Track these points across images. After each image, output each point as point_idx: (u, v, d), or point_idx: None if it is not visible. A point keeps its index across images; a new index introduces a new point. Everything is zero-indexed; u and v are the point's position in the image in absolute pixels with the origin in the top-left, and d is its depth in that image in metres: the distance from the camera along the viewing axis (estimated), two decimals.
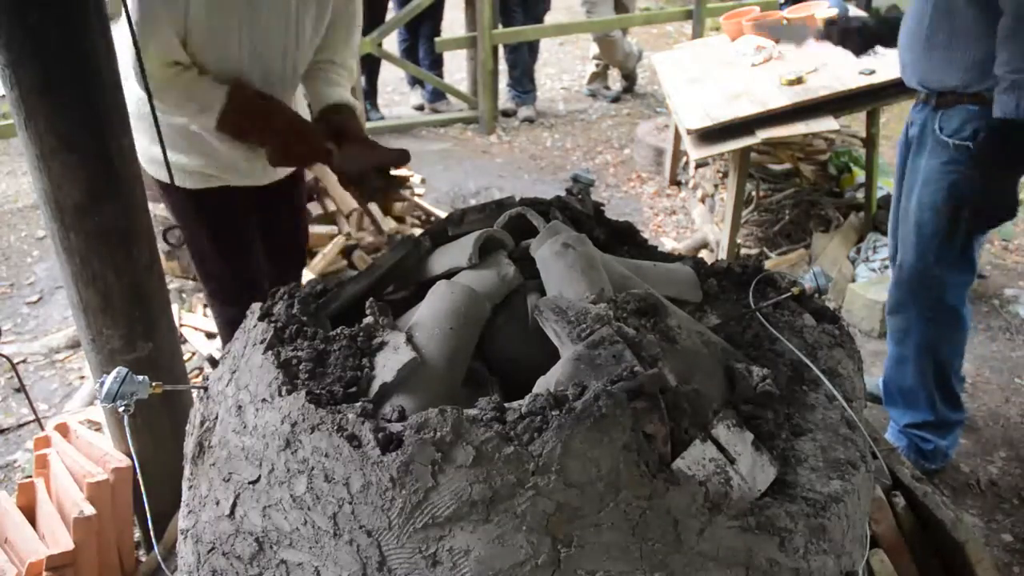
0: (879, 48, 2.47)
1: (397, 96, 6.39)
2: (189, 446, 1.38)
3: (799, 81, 3.28)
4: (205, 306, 3.41)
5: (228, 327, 2.15)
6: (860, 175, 3.85)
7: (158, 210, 3.42)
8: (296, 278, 1.58)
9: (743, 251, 3.75)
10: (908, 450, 2.48)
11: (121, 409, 1.22)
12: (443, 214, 3.07)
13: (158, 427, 1.90)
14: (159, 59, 1.66)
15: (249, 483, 1.17)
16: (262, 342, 1.28)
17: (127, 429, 1.36)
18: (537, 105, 5.92)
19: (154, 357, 1.83)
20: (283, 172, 2.06)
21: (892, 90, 3.25)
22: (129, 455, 1.92)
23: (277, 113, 1.77)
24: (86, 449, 2.01)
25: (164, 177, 1.87)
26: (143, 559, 2.04)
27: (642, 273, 1.52)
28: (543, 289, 1.39)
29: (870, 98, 3.28)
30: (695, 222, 4.17)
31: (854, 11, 4.09)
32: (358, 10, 2.01)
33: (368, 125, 5.04)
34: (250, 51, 1.78)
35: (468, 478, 1.01)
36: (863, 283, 3.32)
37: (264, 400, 1.19)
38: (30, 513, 1.94)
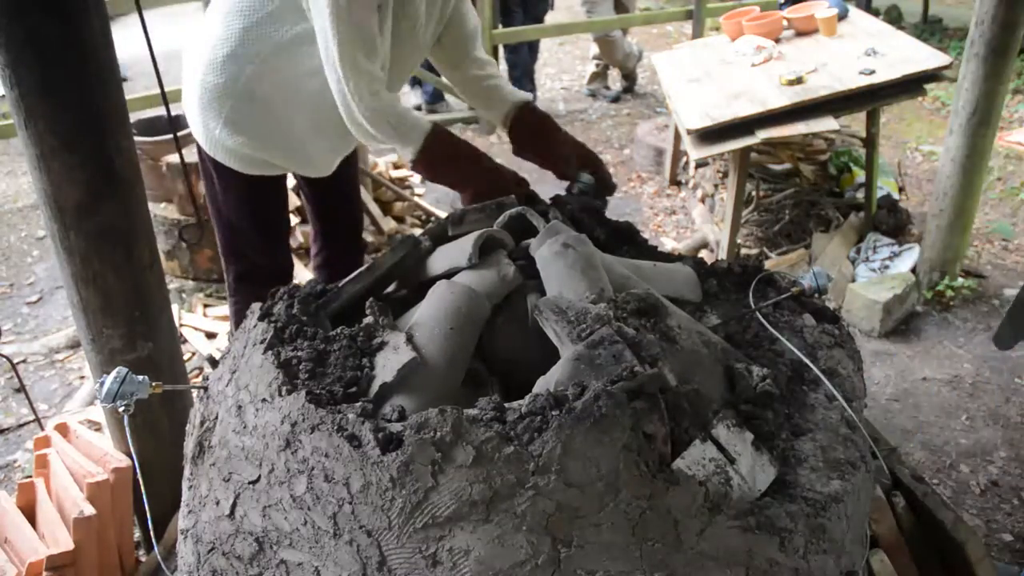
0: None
1: None
2: (189, 446, 1.38)
3: (799, 81, 3.28)
4: (205, 306, 3.41)
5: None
6: (860, 175, 3.85)
7: (158, 210, 3.43)
8: (356, 262, 1.54)
9: (743, 251, 3.75)
10: None
11: (121, 409, 1.22)
12: (443, 214, 3.07)
13: (158, 427, 1.90)
14: (370, 86, 1.59)
15: (249, 483, 1.17)
16: (262, 342, 1.28)
17: (127, 429, 1.36)
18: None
19: (154, 357, 1.83)
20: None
21: (892, 90, 3.25)
22: (129, 455, 1.92)
23: (481, 156, 1.76)
24: (86, 449, 2.01)
25: (223, 159, 1.87)
26: (143, 559, 2.04)
27: (642, 273, 1.52)
28: (543, 289, 1.38)
29: (870, 98, 3.27)
30: (695, 222, 4.17)
31: (854, 11, 4.10)
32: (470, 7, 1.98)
33: None
34: (400, 63, 1.79)
35: (468, 478, 1.01)
36: (863, 283, 3.32)
37: (264, 400, 1.19)
38: (30, 513, 1.94)
